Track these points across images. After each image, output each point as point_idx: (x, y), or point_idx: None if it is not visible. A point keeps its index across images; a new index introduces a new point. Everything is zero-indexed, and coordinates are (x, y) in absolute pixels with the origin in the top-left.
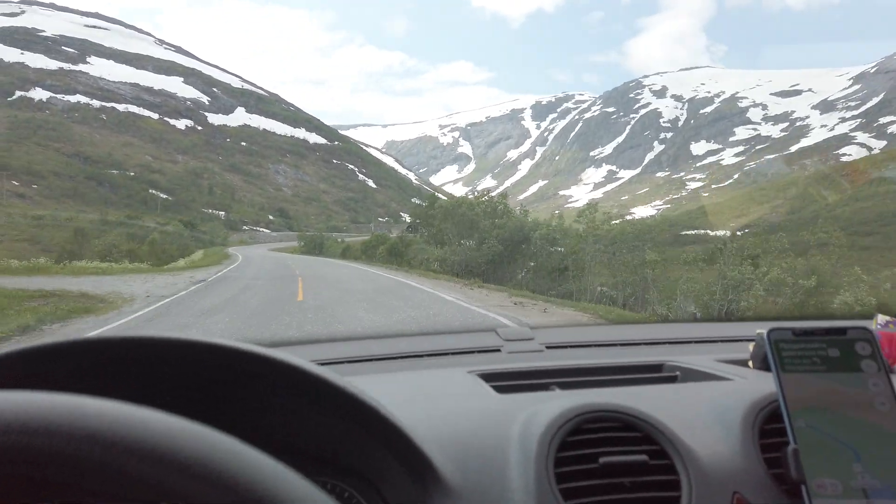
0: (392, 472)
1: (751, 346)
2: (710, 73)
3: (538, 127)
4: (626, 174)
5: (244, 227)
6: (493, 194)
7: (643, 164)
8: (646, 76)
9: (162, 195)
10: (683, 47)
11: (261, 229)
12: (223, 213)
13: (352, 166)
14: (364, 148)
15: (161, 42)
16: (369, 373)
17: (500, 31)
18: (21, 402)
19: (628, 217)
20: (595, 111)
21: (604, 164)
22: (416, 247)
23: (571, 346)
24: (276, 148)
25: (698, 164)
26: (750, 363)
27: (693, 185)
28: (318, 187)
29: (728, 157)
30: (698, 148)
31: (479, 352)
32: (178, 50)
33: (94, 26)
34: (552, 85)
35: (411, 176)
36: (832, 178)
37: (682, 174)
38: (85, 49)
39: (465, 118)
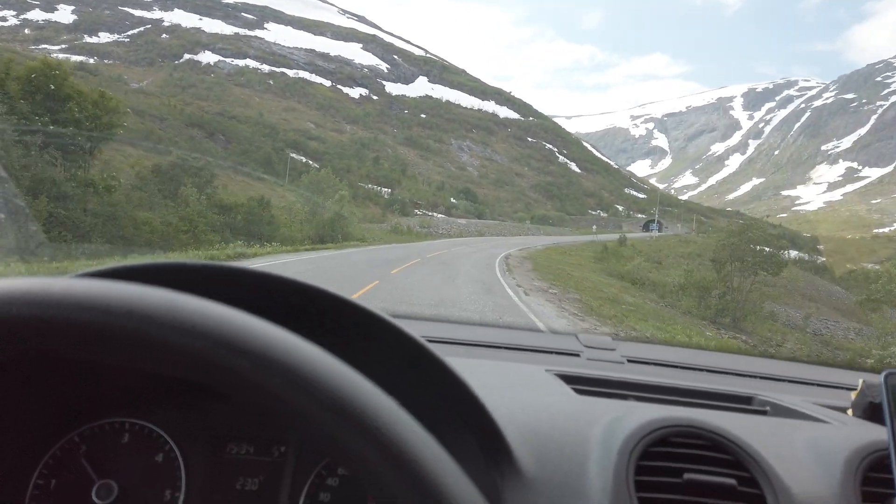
0: (469, 453)
1: (853, 393)
2: None
3: (751, 117)
4: (871, 172)
5: (416, 210)
6: None
7: None
8: None
9: (302, 159)
10: None
11: (436, 214)
12: (387, 189)
13: (550, 146)
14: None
15: (344, 11)
16: (450, 355)
17: (706, 19)
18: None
19: None
20: (827, 98)
21: (840, 161)
22: None
23: (654, 364)
24: (460, 122)
25: None
26: (849, 411)
27: None
28: (511, 168)
29: None
30: None
31: (558, 353)
32: (361, 19)
33: None
34: (756, 78)
35: (612, 164)
36: None
37: None
38: (264, 15)
39: (662, 108)
